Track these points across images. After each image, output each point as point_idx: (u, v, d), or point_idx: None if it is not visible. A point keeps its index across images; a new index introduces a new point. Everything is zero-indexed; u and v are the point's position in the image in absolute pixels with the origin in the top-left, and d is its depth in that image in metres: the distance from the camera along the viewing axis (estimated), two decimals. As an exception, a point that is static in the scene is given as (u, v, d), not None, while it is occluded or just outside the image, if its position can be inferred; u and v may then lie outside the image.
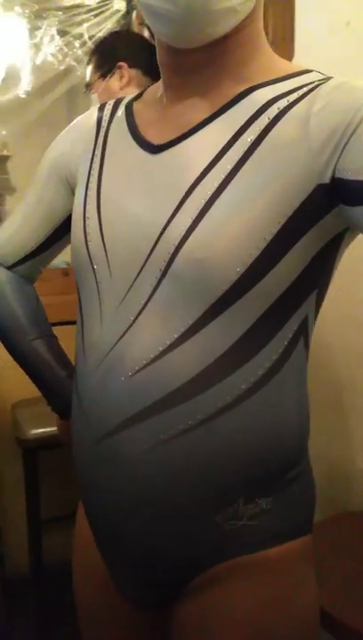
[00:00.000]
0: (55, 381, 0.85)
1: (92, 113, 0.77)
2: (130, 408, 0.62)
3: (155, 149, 0.65)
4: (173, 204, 0.60)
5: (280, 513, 0.65)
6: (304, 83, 0.60)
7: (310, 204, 0.57)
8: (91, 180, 0.71)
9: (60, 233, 0.82)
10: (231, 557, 0.64)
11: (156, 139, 0.66)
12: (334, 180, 0.56)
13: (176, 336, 0.60)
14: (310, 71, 0.62)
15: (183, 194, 0.60)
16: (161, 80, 0.69)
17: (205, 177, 0.59)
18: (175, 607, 0.69)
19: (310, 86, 0.59)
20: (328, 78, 0.60)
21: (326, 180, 0.56)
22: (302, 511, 0.68)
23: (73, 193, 0.77)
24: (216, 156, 0.60)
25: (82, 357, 0.69)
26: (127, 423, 0.62)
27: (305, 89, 0.59)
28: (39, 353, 0.85)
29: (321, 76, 0.61)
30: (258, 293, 0.59)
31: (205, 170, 0.60)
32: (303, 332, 0.64)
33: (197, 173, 0.60)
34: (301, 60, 1.30)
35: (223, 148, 0.60)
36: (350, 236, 0.63)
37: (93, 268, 0.67)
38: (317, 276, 0.63)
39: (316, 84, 0.59)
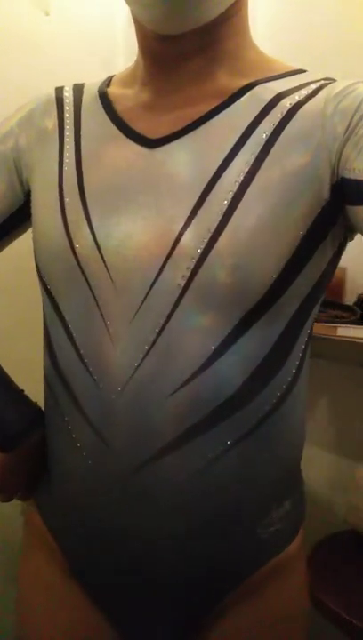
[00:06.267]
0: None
1: (48, 97, 0.69)
2: (175, 429, 0.57)
3: (152, 143, 0.60)
4: (188, 205, 0.55)
5: (295, 511, 0.67)
6: (308, 81, 0.59)
7: (331, 205, 0.56)
8: (65, 175, 0.62)
9: (4, 232, 0.71)
10: (264, 564, 0.64)
11: (149, 132, 0.60)
12: (340, 179, 0.55)
13: (214, 348, 0.56)
14: (305, 71, 0.62)
15: (199, 193, 0.55)
16: (140, 69, 0.64)
17: (222, 175, 0.55)
18: (200, 632, 0.65)
19: (318, 84, 0.59)
20: (333, 80, 0.60)
21: (338, 179, 0.56)
22: (304, 504, 0.70)
23: (23, 184, 0.68)
24: (230, 153, 0.56)
25: (87, 379, 0.59)
26: (171, 446, 0.57)
27: (313, 86, 0.58)
28: None
29: (323, 76, 0.61)
30: (289, 297, 0.58)
31: (220, 167, 0.56)
32: (311, 335, 0.65)
33: (212, 171, 0.56)
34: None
35: (236, 143, 0.56)
36: (349, 238, 0.63)
37: (85, 276, 0.59)
38: (328, 279, 0.62)
39: (322, 83, 0.59)
